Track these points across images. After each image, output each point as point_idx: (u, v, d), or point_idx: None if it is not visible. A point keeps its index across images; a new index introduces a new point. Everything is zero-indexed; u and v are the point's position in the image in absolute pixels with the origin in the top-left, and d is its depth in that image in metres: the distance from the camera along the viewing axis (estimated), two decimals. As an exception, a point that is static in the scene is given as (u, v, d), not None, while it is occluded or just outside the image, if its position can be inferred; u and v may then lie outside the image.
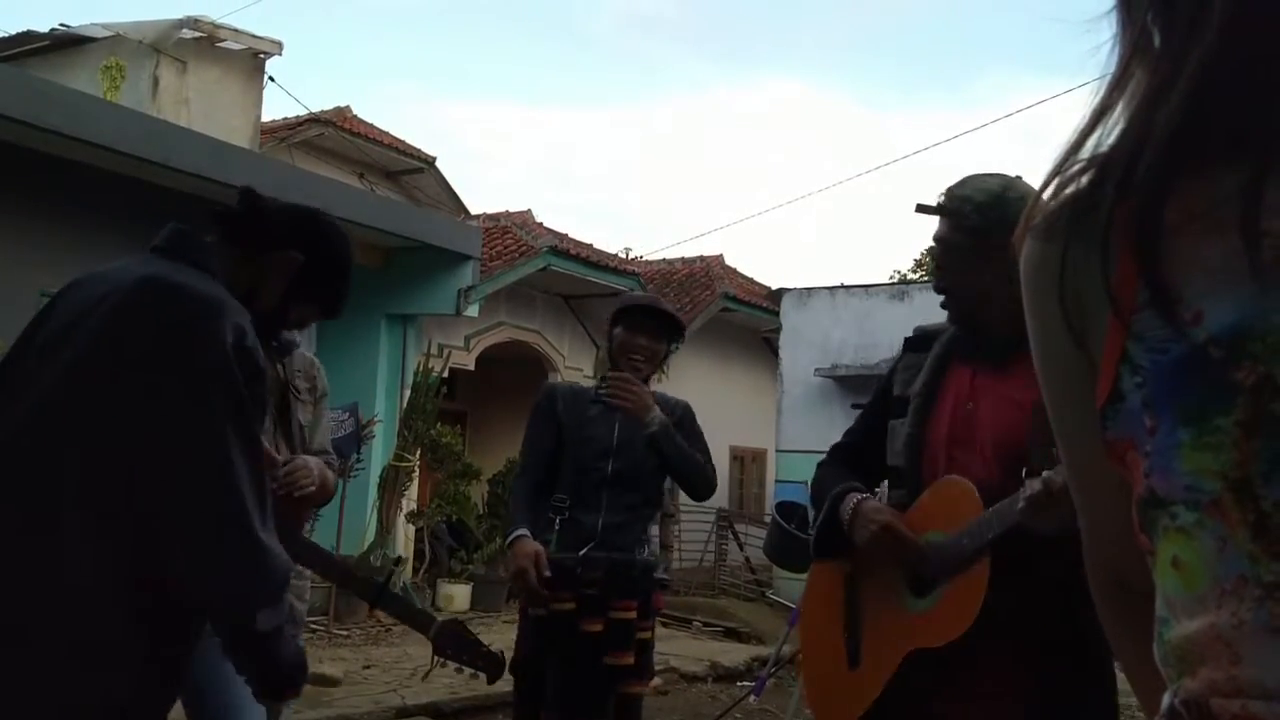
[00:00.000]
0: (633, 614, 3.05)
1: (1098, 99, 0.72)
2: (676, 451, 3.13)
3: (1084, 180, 0.73)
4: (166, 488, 1.52)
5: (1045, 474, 1.80)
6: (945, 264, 2.12)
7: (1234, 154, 0.65)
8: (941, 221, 2.10)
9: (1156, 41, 0.70)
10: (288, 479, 2.37)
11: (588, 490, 3.10)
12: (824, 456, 2.36)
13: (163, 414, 1.54)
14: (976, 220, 2.03)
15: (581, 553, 3.02)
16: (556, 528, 3.06)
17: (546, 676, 2.98)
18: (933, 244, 2.16)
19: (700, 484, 3.21)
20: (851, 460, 2.27)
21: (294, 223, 1.91)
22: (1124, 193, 0.68)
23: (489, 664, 2.46)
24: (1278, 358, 0.61)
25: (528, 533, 2.99)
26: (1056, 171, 0.74)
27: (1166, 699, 0.68)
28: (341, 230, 2.02)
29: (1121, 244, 0.69)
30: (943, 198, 2.09)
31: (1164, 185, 0.67)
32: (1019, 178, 2.07)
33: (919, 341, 2.23)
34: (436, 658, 2.44)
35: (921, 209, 2.15)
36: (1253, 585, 0.62)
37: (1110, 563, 0.83)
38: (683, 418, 3.29)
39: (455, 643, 2.44)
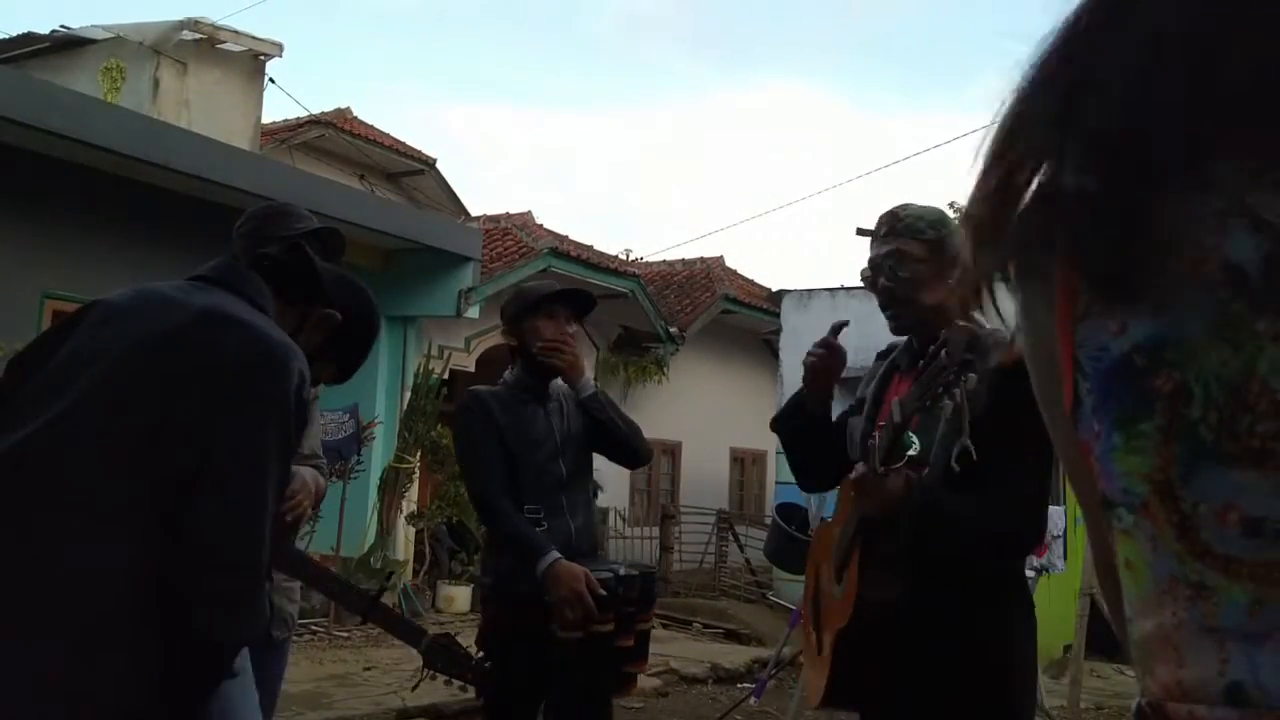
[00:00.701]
0: (651, 624, 3.07)
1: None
2: (615, 415, 3.08)
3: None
4: (206, 499, 1.55)
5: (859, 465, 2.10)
6: (901, 277, 2.23)
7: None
8: (891, 238, 2.23)
9: None
10: (288, 504, 2.32)
11: (547, 494, 2.97)
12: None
13: (224, 430, 1.56)
14: (933, 234, 2.20)
15: (621, 572, 2.94)
16: None
17: (551, 696, 2.89)
18: (883, 259, 2.26)
19: (640, 446, 3.17)
20: (828, 432, 2.51)
21: (338, 284, 1.99)
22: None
23: (477, 677, 2.47)
24: (1192, 366, 0.64)
25: (560, 554, 2.82)
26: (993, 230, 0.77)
27: (1135, 703, 0.70)
28: (375, 303, 2.12)
29: (1061, 253, 0.71)
30: (890, 219, 2.24)
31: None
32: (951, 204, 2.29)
33: (887, 352, 2.45)
34: (425, 670, 2.45)
35: (862, 232, 2.29)
36: (1183, 585, 0.64)
37: (1109, 563, 0.84)
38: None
39: (445, 656, 2.45)
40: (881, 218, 2.28)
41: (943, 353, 1.86)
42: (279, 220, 2.56)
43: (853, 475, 2.12)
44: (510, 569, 2.91)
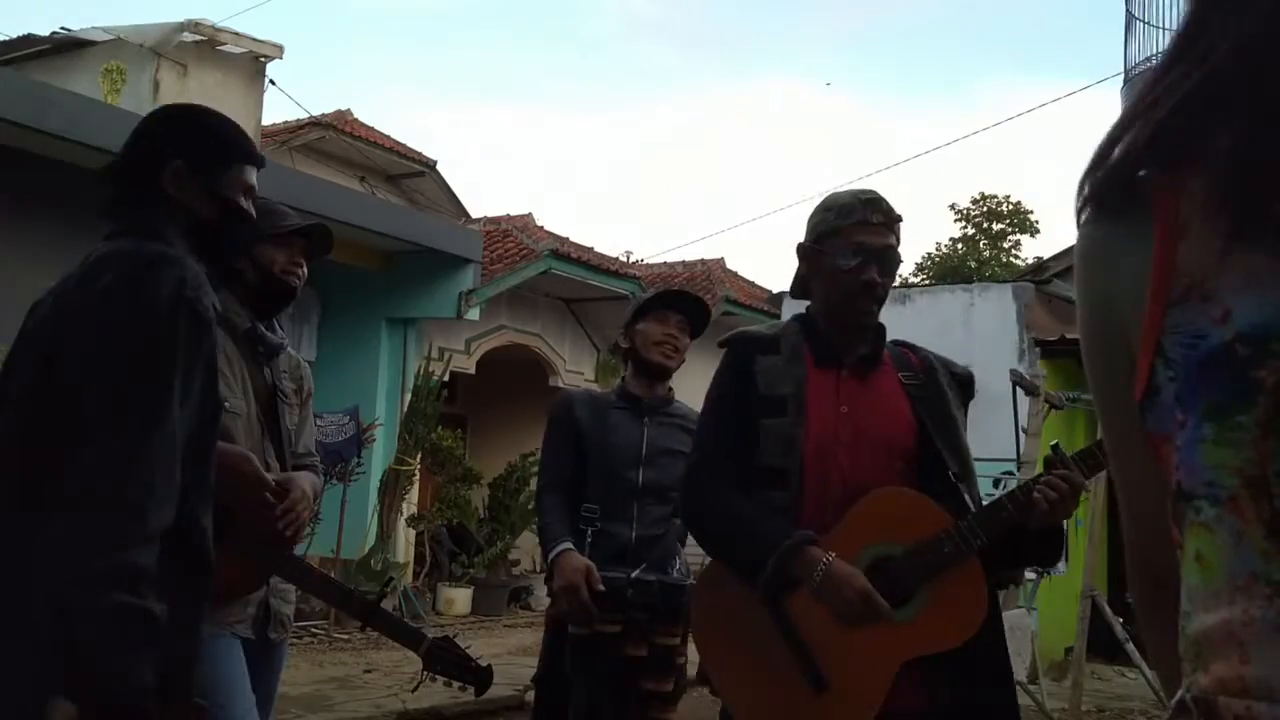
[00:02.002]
0: (678, 640, 2.93)
1: (1142, 87, 0.73)
2: None
3: (1125, 168, 0.73)
4: (67, 458, 1.45)
5: (1063, 473, 1.94)
6: (890, 277, 2.20)
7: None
8: (887, 232, 2.17)
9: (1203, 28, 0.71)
10: (288, 517, 2.29)
11: (616, 501, 2.96)
12: (693, 474, 2.21)
13: (74, 371, 1.50)
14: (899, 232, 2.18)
15: (633, 574, 2.87)
16: (589, 539, 2.90)
17: (573, 696, 2.85)
18: (883, 252, 2.16)
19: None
20: (727, 472, 2.14)
21: (142, 144, 1.82)
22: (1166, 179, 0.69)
23: (478, 678, 2.47)
24: None
25: (572, 545, 2.84)
26: (1101, 158, 0.75)
27: (1180, 692, 0.68)
28: (178, 107, 1.95)
29: (1161, 235, 0.69)
30: (888, 210, 2.16)
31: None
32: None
33: (761, 344, 2.22)
34: (425, 672, 2.46)
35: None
36: (1262, 583, 0.63)
37: (1150, 561, 0.83)
38: None
39: (444, 659, 2.46)
40: (880, 203, 2.15)
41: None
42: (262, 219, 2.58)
43: (1061, 488, 1.95)
44: (542, 551, 2.98)
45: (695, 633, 2.21)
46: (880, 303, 2.16)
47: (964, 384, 2.24)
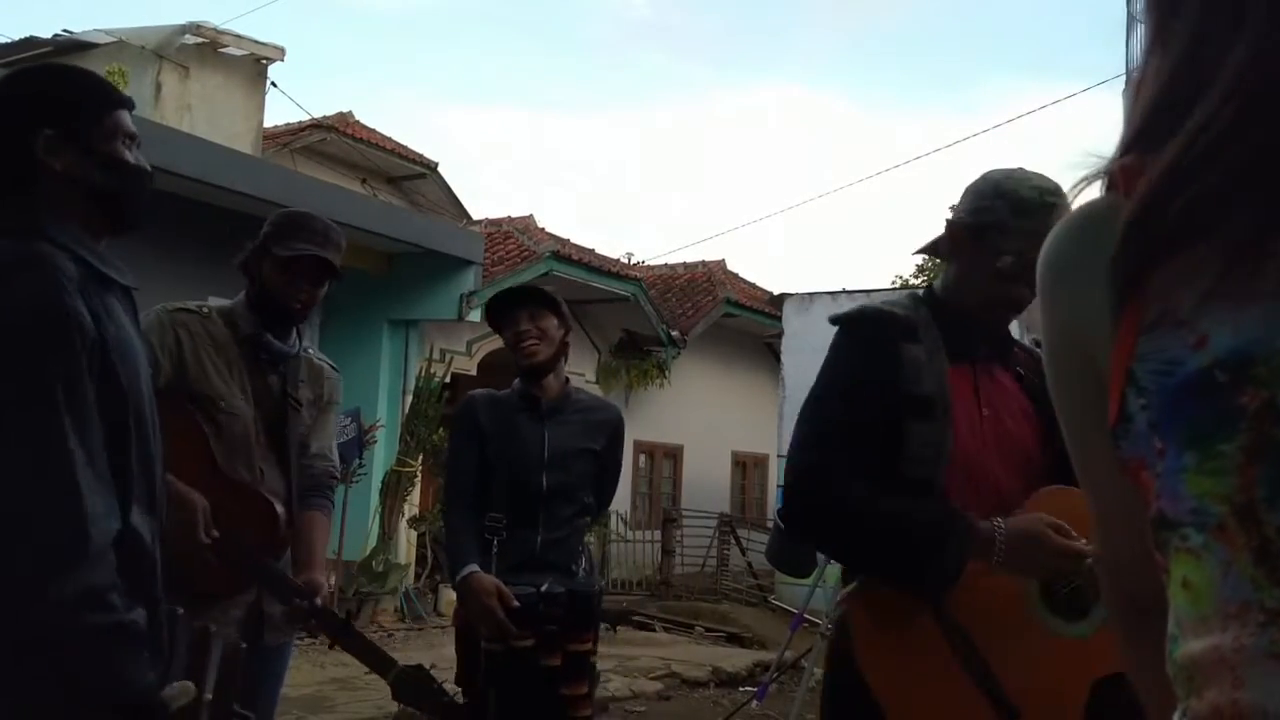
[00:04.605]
0: (589, 645, 2.98)
1: (1126, 101, 0.73)
2: None
3: (1100, 190, 0.73)
4: None
5: None
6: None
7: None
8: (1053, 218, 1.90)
9: (1179, 40, 0.70)
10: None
11: (524, 506, 2.94)
12: (816, 473, 1.86)
13: None
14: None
15: (543, 588, 2.88)
16: (495, 549, 2.87)
17: (487, 709, 2.82)
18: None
19: None
20: (859, 471, 1.82)
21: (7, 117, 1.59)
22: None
23: (448, 715, 2.40)
24: None
25: (478, 566, 2.82)
26: (1084, 178, 0.74)
27: (1175, 717, 0.68)
28: (20, 71, 1.71)
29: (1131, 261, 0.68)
30: (1059, 194, 1.86)
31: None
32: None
33: (904, 327, 1.89)
34: (396, 702, 2.38)
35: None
36: (1256, 610, 0.62)
37: (1127, 585, 0.83)
38: (615, 432, 3.17)
39: (414, 690, 2.38)
40: (1056, 188, 1.84)
41: None
42: (291, 231, 2.50)
43: None
44: (450, 572, 2.95)
45: (864, 665, 1.82)
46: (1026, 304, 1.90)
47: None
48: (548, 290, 3.09)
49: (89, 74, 1.71)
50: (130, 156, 1.63)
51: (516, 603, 2.77)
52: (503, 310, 3.05)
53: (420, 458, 10.28)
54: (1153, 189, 0.66)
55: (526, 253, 12.02)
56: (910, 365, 1.84)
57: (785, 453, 2.00)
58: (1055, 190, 1.84)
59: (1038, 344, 1.80)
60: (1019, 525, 1.73)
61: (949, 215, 1.96)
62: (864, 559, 1.88)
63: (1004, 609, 1.77)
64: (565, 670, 2.88)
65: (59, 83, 1.65)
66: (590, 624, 2.99)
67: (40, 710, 1.41)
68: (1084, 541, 1.65)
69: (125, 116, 1.64)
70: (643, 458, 14.67)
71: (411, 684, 2.38)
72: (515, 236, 12.62)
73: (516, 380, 3.10)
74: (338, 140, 14.27)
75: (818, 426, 1.90)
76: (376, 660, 2.40)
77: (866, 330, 1.91)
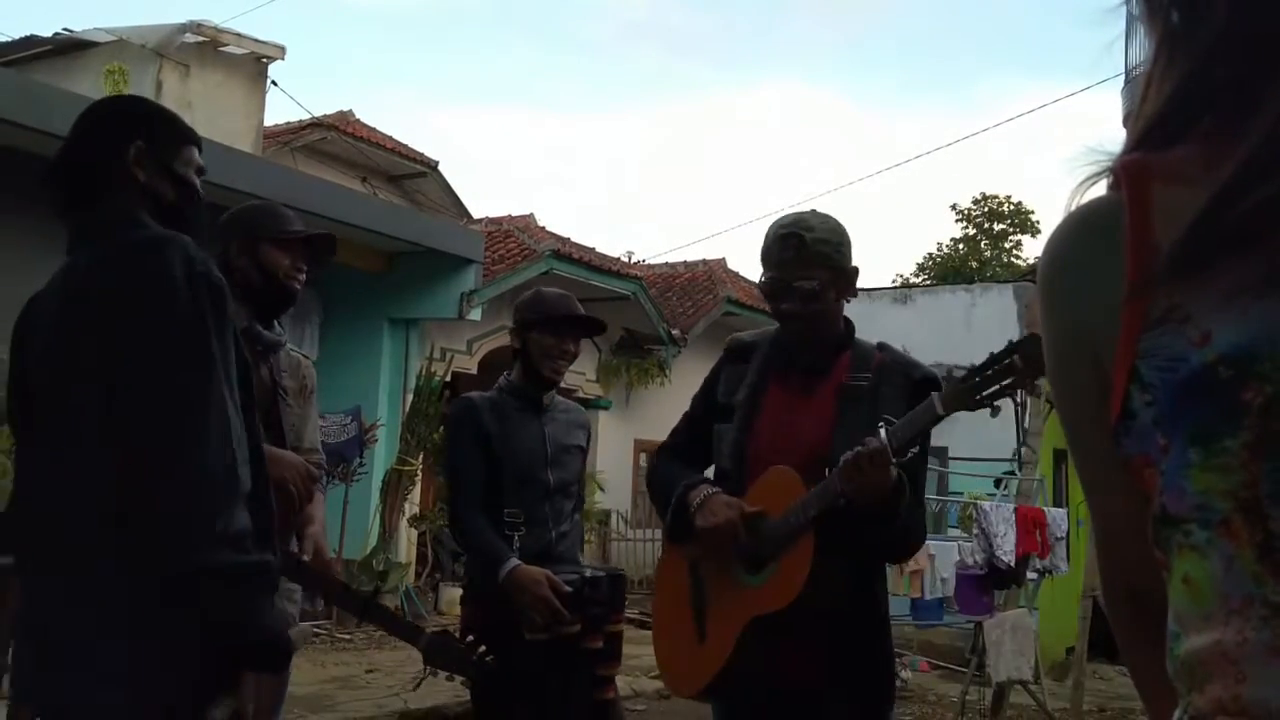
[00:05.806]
0: (621, 626, 3.14)
1: (1127, 100, 0.73)
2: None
3: (1103, 186, 0.73)
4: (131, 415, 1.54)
5: (872, 449, 2.04)
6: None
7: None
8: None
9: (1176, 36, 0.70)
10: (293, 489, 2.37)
11: (533, 502, 3.00)
12: (654, 456, 2.60)
13: (128, 354, 1.57)
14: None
15: (588, 573, 3.02)
16: (516, 545, 2.92)
17: (516, 697, 2.83)
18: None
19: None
20: (679, 454, 2.51)
21: (98, 131, 1.83)
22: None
23: (480, 671, 2.47)
24: None
25: (518, 560, 2.86)
26: (1088, 176, 0.74)
27: (1176, 714, 0.68)
28: (120, 98, 1.99)
29: (1134, 259, 0.68)
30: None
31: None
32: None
33: (739, 352, 2.47)
34: (427, 668, 2.47)
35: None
36: (1258, 605, 0.62)
37: (1126, 579, 0.83)
38: (589, 432, 3.34)
39: (445, 653, 2.47)
40: (791, 219, 2.35)
41: (1015, 358, 1.94)
42: (265, 220, 2.65)
43: (848, 456, 2.04)
44: (483, 571, 2.96)
45: (655, 592, 2.57)
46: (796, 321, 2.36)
47: (919, 384, 2.25)
48: (603, 326, 3.28)
49: (175, 114, 1.95)
50: (197, 183, 1.86)
51: (568, 588, 2.86)
52: (559, 321, 3.08)
53: (421, 457, 10.27)
54: (1228, 185, 0.65)
55: (527, 251, 12.01)
56: (727, 381, 2.43)
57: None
58: (786, 223, 2.33)
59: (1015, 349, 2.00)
60: (717, 499, 2.29)
61: None
62: (662, 518, 2.49)
63: (724, 563, 2.30)
64: (604, 652, 3.02)
65: (153, 111, 1.91)
66: (623, 605, 3.15)
67: (178, 647, 1.52)
68: (759, 509, 2.23)
69: (196, 152, 1.87)
70: (643, 456, 14.66)
71: (441, 649, 2.47)
72: (515, 235, 12.61)
73: (502, 380, 3.15)
74: (338, 139, 14.27)
75: (679, 421, 2.59)
76: (405, 630, 2.52)
77: (722, 353, 2.52)
